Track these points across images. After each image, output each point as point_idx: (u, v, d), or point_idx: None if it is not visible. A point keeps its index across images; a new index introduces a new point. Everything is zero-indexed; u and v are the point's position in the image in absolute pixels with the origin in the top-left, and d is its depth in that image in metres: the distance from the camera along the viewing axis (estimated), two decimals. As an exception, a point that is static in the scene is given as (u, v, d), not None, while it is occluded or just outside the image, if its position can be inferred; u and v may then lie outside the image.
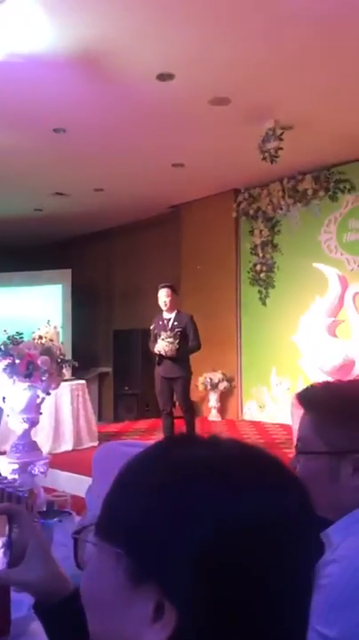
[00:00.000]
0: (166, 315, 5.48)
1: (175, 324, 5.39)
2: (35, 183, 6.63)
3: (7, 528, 0.78)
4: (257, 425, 6.67)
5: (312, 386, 1.17)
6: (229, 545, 0.48)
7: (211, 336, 7.20)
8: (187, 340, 5.35)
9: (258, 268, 6.89)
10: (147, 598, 0.50)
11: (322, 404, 1.12)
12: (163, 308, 5.48)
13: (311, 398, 1.14)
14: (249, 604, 0.48)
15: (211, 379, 7.14)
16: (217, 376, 7.14)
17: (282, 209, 6.68)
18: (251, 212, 6.94)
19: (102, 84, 4.28)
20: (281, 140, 4.91)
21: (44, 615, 0.81)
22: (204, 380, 7.11)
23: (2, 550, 0.76)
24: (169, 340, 5.21)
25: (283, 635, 0.51)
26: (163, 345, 5.18)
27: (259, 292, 6.91)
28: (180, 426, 5.30)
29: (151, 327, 5.53)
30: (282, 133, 4.90)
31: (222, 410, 7.27)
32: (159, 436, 5.12)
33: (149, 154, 5.77)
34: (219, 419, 7.20)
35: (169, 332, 5.26)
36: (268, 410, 6.86)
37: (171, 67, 4.07)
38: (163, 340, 5.22)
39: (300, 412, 1.14)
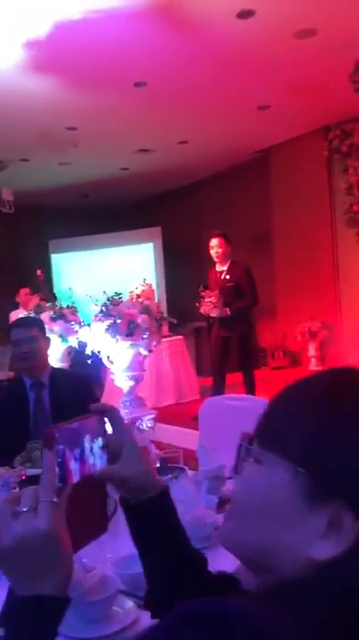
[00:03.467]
0: (219, 267, 5.11)
1: (227, 277, 5.02)
2: (119, 141, 6.63)
3: (103, 428, 0.81)
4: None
5: None
6: None
7: (307, 284, 7.01)
8: (243, 296, 4.90)
9: (354, 208, 6.54)
10: (321, 514, 0.54)
11: None
12: (215, 259, 5.11)
13: None
14: None
15: (309, 328, 6.97)
16: (316, 324, 6.96)
17: (377, 142, 6.27)
18: (345, 148, 6.55)
19: (180, 30, 4.13)
20: (374, 67, 4.56)
21: (133, 510, 0.83)
22: (303, 329, 6.96)
23: (101, 449, 0.78)
24: (210, 300, 4.77)
25: None
26: (206, 307, 4.78)
27: (357, 233, 6.58)
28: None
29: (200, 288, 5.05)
30: (375, 60, 4.55)
31: (323, 359, 7.10)
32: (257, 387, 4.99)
33: (233, 99, 5.56)
34: (320, 368, 7.06)
35: (210, 292, 4.80)
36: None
37: (251, 2, 3.84)
38: (204, 300, 4.79)
39: None
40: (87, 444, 0.76)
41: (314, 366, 7.04)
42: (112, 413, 0.82)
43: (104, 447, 0.79)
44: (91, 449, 0.77)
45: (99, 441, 0.78)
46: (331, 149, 6.67)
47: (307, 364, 7.16)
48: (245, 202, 8.08)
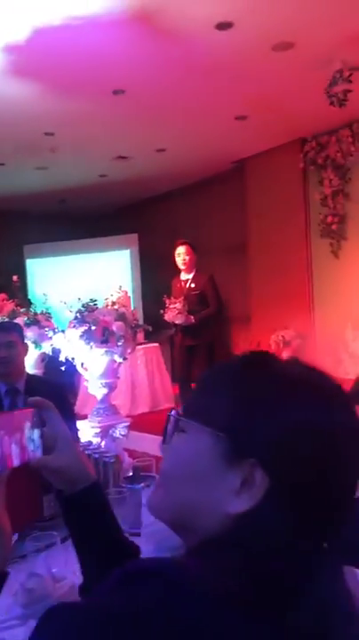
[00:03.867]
0: (184, 275, 5.09)
1: (192, 285, 5.00)
2: (97, 148, 6.62)
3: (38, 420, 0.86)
4: (333, 381, 6.55)
5: (354, 383, 1.12)
6: (301, 440, 0.60)
7: (281, 293, 7.08)
8: (207, 305, 4.88)
9: (329, 219, 6.64)
10: (237, 473, 0.61)
11: None
12: (182, 267, 5.09)
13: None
14: (316, 484, 0.60)
15: (283, 336, 7.03)
16: (289, 333, 7.02)
17: (352, 155, 6.37)
18: (320, 160, 6.65)
19: (160, 40, 4.16)
20: (349, 82, 4.64)
21: (68, 502, 0.88)
22: (277, 338, 7.01)
23: (39, 439, 0.84)
24: (175, 306, 4.75)
25: (342, 512, 0.63)
26: (171, 314, 4.75)
27: (331, 244, 6.67)
28: None
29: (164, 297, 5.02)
30: (350, 75, 4.62)
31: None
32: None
33: (211, 108, 5.60)
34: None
35: (175, 300, 4.78)
36: (344, 366, 6.71)
37: (230, 14, 3.89)
38: (169, 307, 4.76)
39: None
40: (27, 432, 0.81)
41: (287, 375, 7.07)
42: (48, 408, 0.87)
43: (41, 438, 0.84)
44: (31, 437, 0.82)
45: (37, 432, 0.83)
46: (307, 161, 6.76)
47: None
48: (221, 211, 8.14)
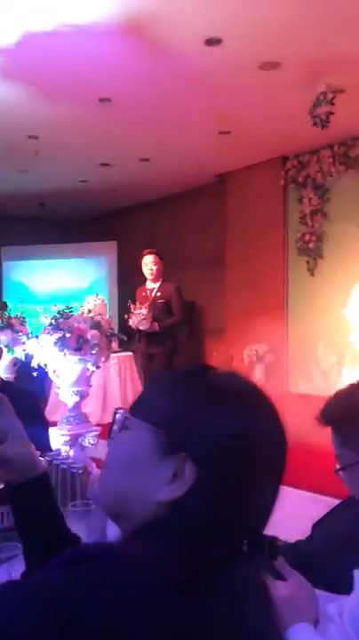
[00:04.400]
0: (150, 284, 5.11)
1: (158, 294, 5.03)
2: (80, 153, 6.61)
3: None
4: (304, 398, 6.60)
5: (327, 402, 1.14)
6: (228, 444, 0.69)
7: (257, 308, 7.13)
8: (172, 314, 4.92)
9: (306, 237, 6.73)
10: (169, 465, 0.69)
11: (335, 416, 1.10)
12: (149, 276, 5.10)
13: (328, 414, 1.12)
14: (239, 480, 0.70)
15: (256, 350, 7.08)
16: (263, 348, 7.07)
17: (332, 176, 6.47)
18: (300, 179, 6.74)
19: (149, 51, 4.18)
20: (332, 104, 4.72)
21: (15, 492, 0.93)
22: (250, 352, 7.06)
23: None
24: (140, 312, 4.79)
25: (260, 508, 0.73)
26: (136, 319, 4.78)
27: (308, 262, 6.75)
28: None
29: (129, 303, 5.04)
30: (333, 97, 4.71)
31: (267, 382, 7.21)
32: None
33: (196, 122, 5.65)
34: (265, 390, 7.15)
35: (140, 305, 4.80)
36: (315, 383, 6.78)
37: (219, 31, 3.93)
38: (134, 312, 4.79)
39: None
40: None
41: (259, 389, 7.11)
42: (1, 402, 0.93)
43: None
44: None
45: None
46: (288, 179, 6.85)
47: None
48: (201, 224, 8.19)
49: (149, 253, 5.10)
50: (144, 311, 4.79)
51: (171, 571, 0.63)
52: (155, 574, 0.62)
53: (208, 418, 0.70)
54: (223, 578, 0.67)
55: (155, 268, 5.00)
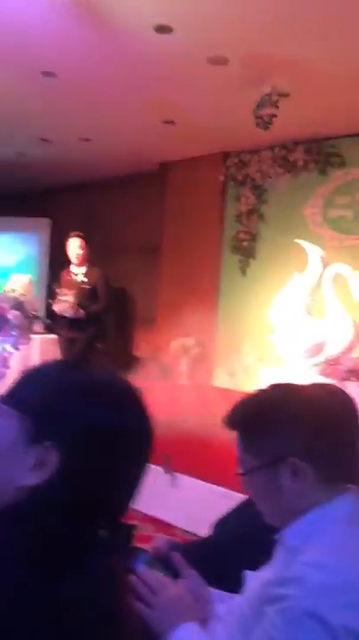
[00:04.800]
0: (75, 269, 5.02)
1: (85, 279, 4.94)
2: (20, 126, 6.38)
3: None
4: (226, 392, 6.70)
5: (233, 407, 1.16)
6: (95, 433, 0.73)
7: (188, 301, 7.15)
8: (97, 300, 4.86)
9: (241, 236, 6.80)
10: (34, 452, 0.73)
11: (240, 421, 1.11)
12: (74, 260, 5.00)
13: (231, 419, 1.13)
14: (99, 473, 0.74)
15: (183, 343, 7.11)
16: (190, 341, 7.12)
17: (271, 177, 6.57)
18: (240, 177, 6.80)
19: (98, 30, 4.08)
20: (276, 107, 4.78)
21: None
22: (177, 344, 7.09)
23: None
24: (66, 299, 4.71)
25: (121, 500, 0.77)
26: (61, 306, 4.71)
27: (240, 260, 6.84)
28: None
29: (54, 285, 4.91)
30: (277, 100, 4.76)
31: (192, 375, 7.28)
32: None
33: (140, 108, 5.57)
34: (188, 383, 7.22)
35: (66, 290, 4.72)
36: (238, 378, 6.89)
37: (170, 19, 3.88)
38: (60, 299, 4.71)
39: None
40: None
41: (183, 381, 7.18)
42: None
43: None
44: None
45: None
46: (228, 176, 6.89)
47: (177, 378, 7.29)
48: (139, 211, 8.11)
49: (75, 236, 4.97)
50: (70, 298, 4.69)
51: (29, 555, 0.66)
52: (13, 559, 0.65)
53: (75, 410, 0.74)
54: (81, 563, 0.70)
55: (81, 252, 4.88)
